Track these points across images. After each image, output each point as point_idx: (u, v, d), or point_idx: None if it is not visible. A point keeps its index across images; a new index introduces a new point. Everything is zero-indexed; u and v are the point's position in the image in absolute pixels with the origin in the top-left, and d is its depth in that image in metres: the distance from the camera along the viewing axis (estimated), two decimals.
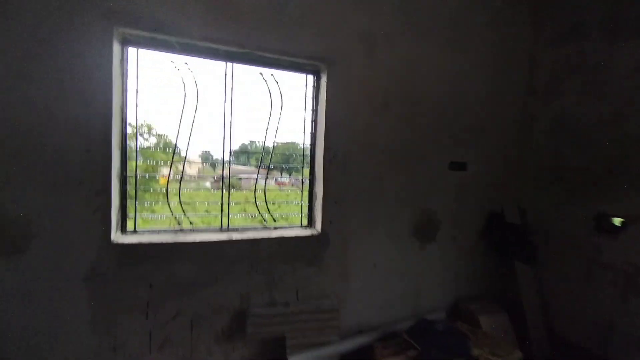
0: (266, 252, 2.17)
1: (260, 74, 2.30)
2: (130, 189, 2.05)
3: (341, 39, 2.26)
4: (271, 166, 2.42)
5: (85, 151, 1.75)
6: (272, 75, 2.32)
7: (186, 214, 2.20)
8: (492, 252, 2.89)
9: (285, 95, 2.35)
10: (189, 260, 1.99)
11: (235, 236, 2.14)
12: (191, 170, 2.37)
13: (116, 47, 1.82)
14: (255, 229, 2.33)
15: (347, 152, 2.32)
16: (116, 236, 1.91)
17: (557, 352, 2.54)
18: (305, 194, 2.49)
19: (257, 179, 2.40)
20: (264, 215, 2.40)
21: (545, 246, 2.68)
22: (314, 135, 2.44)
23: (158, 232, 2.11)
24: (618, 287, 2.24)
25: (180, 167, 2.30)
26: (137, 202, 2.08)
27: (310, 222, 2.47)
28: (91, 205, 1.78)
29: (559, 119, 2.66)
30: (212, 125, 2.22)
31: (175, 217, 2.18)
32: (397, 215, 2.53)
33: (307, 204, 2.49)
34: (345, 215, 2.36)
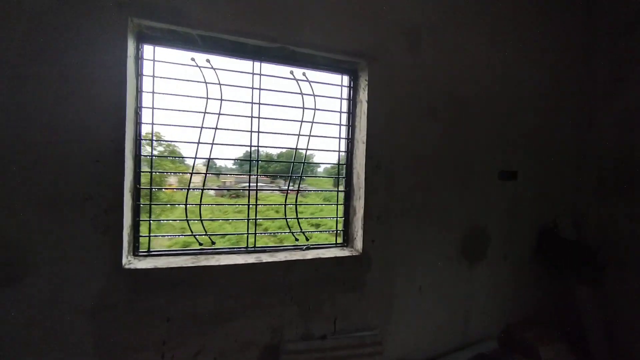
0: (301, 276, 1.87)
1: (291, 72, 2.03)
2: (143, 205, 1.77)
3: (383, 33, 1.99)
4: (303, 177, 2.13)
5: (95, 162, 1.47)
6: (304, 74, 2.05)
7: (207, 231, 1.91)
8: (546, 272, 2.57)
9: (317, 98, 2.08)
10: (213, 287, 1.70)
11: (266, 258, 1.84)
12: (207, 181, 2.10)
13: (131, 42, 1.56)
14: (286, 249, 2.04)
15: (392, 162, 2.04)
16: (128, 260, 1.62)
17: None
18: (340, 207, 2.20)
19: (287, 190, 2.12)
20: (294, 232, 2.10)
21: (614, 266, 2.35)
22: (350, 141, 2.16)
23: (176, 253, 1.82)
24: None
25: (197, 178, 2.02)
26: (151, 219, 1.80)
27: (347, 241, 2.17)
28: (99, 225, 1.49)
29: (626, 116, 2.35)
30: (239, 131, 1.95)
31: (195, 237, 1.89)
32: (445, 231, 2.23)
33: (343, 219, 2.19)
34: (389, 233, 2.06)
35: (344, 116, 2.18)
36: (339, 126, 2.18)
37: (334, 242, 2.20)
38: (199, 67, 1.83)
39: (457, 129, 2.21)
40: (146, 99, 1.71)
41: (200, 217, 1.91)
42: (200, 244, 1.90)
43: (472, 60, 2.24)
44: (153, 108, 1.73)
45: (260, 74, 1.95)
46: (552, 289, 2.59)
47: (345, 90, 2.18)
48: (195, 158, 1.88)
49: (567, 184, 2.62)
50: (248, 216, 2.00)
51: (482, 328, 2.40)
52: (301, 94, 2.05)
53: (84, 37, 1.43)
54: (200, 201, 1.90)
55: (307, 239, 2.13)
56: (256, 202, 2.01)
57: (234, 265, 1.74)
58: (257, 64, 1.94)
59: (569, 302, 2.47)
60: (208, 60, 1.84)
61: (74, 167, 1.44)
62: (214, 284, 1.70)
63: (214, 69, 1.85)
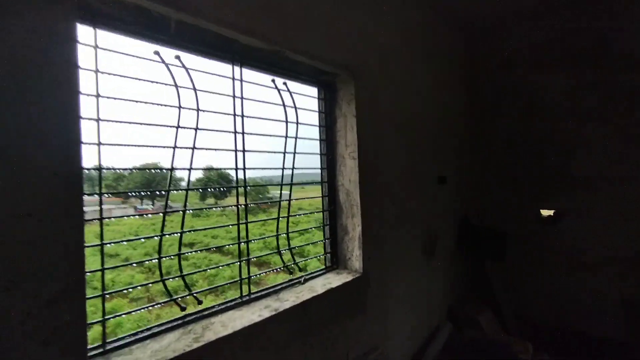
0: (317, 314, 1.62)
1: (273, 81, 1.76)
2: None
3: (365, 51, 2.01)
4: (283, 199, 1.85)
5: (25, 216, 0.82)
6: (284, 84, 1.81)
7: (191, 289, 1.38)
8: (465, 254, 3.19)
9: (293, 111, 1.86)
10: None
11: (279, 306, 1.50)
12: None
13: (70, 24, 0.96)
14: (285, 286, 1.72)
15: (378, 176, 2.06)
16: None
17: (525, 330, 3.00)
18: (314, 225, 2.05)
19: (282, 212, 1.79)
20: (288, 265, 1.80)
21: (510, 242, 3.15)
22: (330, 157, 2.05)
23: (158, 335, 1.23)
24: (563, 266, 2.86)
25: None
26: (104, 289, 1.15)
27: (337, 262, 2.04)
28: (40, 329, 0.84)
29: (502, 136, 3.22)
30: (221, 150, 1.52)
31: (177, 302, 1.34)
32: (414, 236, 2.43)
33: (330, 239, 2.05)
34: (381, 247, 2.07)
35: (320, 131, 2.06)
36: (319, 141, 2.04)
37: (324, 267, 2.02)
38: (167, 65, 1.32)
39: (413, 143, 2.46)
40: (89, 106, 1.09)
41: (181, 272, 1.37)
42: (183, 309, 1.36)
43: (419, 84, 2.55)
44: (98, 120, 1.12)
45: (242, 80, 1.59)
46: (472, 266, 3.25)
47: (320, 104, 2.05)
48: (170, 179, 1.34)
49: (471, 185, 3.35)
50: (239, 257, 1.57)
51: (439, 313, 2.75)
52: (284, 105, 1.80)
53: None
54: (180, 248, 1.37)
55: (300, 269, 1.87)
56: (247, 236, 1.61)
57: (249, 326, 1.33)
58: (236, 68, 1.57)
59: (482, 273, 3.15)
60: (178, 57, 1.36)
61: None
62: None
63: (187, 69, 1.38)
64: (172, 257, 1.34)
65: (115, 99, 1.15)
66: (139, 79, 1.24)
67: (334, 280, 1.83)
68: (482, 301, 3.07)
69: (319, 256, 2.07)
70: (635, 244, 2.54)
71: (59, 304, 0.87)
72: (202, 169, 1.50)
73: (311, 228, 2.17)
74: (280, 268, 1.81)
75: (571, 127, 2.83)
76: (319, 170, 2.09)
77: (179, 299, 1.35)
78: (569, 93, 2.85)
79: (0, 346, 0.78)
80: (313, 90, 2.05)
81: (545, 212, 3.07)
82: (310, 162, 2.08)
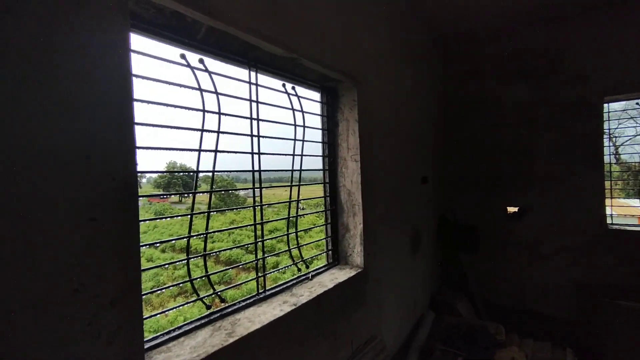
0: (328, 307, 1.74)
1: (284, 85, 1.83)
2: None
3: (363, 58, 2.14)
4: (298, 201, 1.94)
5: (90, 220, 0.84)
6: (293, 88, 1.89)
7: (216, 289, 1.43)
8: (444, 248, 3.48)
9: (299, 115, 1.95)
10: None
11: (296, 301, 1.59)
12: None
13: (125, 33, 0.98)
14: (294, 282, 1.81)
15: (374, 177, 2.21)
16: None
17: (492, 314, 3.37)
18: (327, 226, 2.16)
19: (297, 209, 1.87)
20: (297, 262, 1.89)
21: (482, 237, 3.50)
22: (332, 159, 2.16)
23: (190, 332, 1.27)
24: (525, 256, 3.26)
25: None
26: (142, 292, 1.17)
27: (338, 258, 2.17)
28: (104, 329, 0.87)
29: (471, 140, 3.56)
30: (239, 153, 1.57)
31: (203, 300, 1.37)
32: (402, 232, 2.63)
33: (331, 237, 2.17)
34: (377, 244, 2.23)
35: (322, 134, 2.17)
36: (321, 144, 2.15)
37: (326, 263, 2.14)
38: (192, 68, 1.35)
39: (401, 144, 2.66)
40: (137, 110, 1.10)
41: (206, 271, 1.41)
42: (208, 307, 1.40)
43: (404, 89, 2.75)
44: (151, 125, 1.13)
45: (257, 85, 1.65)
46: (448, 259, 3.55)
47: (323, 108, 2.16)
48: (195, 182, 1.37)
49: (445, 185, 3.65)
50: (256, 256, 1.64)
51: (422, 304, 2.99)
52: (293, 109, 1.88)
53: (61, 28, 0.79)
54: (205, 248, 1.41)
55: (307, 267, 1.97)
56: (262, 235, 1.68)
57: (274, 321, 1.41)
58: (252, 73, 1.63)
59: (458, 265, 3.46)
60: (202, 61, 1.39)
61: (49, 235, 0.78)
62: (253, 355, 1.32)
63: (210, 73, 1.42)
64: (199, 256, 1.38)
65: (153, 103, 1.17)
66: (168, 83, 1.26)
67: (339, 275, 1.96)
68: (457, 290, 3.39)
69: (322, 253, 2.19)
70: (583, 234, 2.98)
71: (120, 303, 0.90)
72: (224, 171, 1.54)
73: (313, 227, 2.26)
74: (287, 266, 1.89)
75: (528, 134, 3.23)
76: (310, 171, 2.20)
77: (205, 297, 1.39)
78: (525, 104, 3.25)
79: (68, 347, 0.80)
80: (316, 95, 2.15)
81: (511, 209, 3.46)
82: (310, 163, 2.18)
